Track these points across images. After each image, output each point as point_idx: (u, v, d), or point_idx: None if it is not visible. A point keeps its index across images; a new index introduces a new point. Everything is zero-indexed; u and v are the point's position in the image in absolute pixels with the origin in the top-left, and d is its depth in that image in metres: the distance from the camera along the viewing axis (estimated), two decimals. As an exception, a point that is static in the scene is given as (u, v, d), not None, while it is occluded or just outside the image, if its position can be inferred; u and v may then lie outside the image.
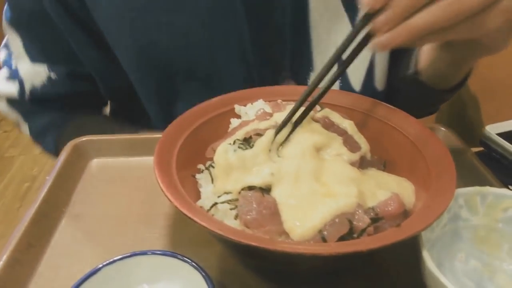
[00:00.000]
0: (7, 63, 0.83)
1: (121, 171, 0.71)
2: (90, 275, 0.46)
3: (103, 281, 0.46)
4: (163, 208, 0.62)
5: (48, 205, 0.61)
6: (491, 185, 0.59)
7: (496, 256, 0.53)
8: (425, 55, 0.73)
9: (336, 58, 0.49)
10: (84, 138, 0.73)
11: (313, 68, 0.80)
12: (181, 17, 0.70)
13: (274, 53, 0.76)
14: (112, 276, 0.46)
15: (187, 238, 0.58)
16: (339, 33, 0.77)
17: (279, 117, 0.52)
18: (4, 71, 0.84)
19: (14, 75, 0.81)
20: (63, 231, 0.60)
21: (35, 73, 0.79)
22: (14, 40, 0.79)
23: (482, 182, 0.56)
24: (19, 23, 0.77)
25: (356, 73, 0.80)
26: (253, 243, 0.36)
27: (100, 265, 0.46)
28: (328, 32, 0.77)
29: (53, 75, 0.80)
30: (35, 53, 0.79)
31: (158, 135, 0.74)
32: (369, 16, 0.44)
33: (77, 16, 0.73)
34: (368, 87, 0.80)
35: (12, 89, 0.82)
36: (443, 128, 0.74)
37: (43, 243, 0.57)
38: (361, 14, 0.46)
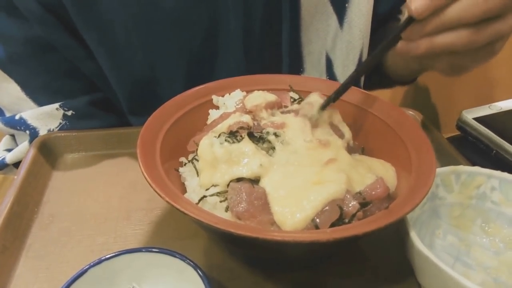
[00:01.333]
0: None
1: (94, 167, 0.69)
2: (76, 277, 0.44)
3: (91, 282, 0.44)
4: (142, 203, 0.61)
5: (20, 205, 0.59)
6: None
7: (470, 231, 0.56)
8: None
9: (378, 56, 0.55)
10: (52, 134, 0.70)
11: (304, 69, 0.80)
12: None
13: (262, 54, 0.76)
14: (99, 277, 0.45)
15: (171, 232, 0.57)
16: (328, 33, 0.78)
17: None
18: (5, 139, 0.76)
19: (20, 126, 0.72)
20: (38, 232, 0.57)
21: (47, 117, 0.72)
22: (5, 89, 0.71)
23: (454, 163, 0.59)
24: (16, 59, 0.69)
25: (345, 74, 0.81)
26: (255, 235, 0.36)
27: (87, 266, 0.45)
28: (317, 32, 0.77)
29: (70, 113, 0.73)
30: (42, 93, 0.72)
31: (129, 129, 0.73)
32: (410, 20, 0.50)
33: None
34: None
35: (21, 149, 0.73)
36: (411, 112, 0.77)
37: (18, 245, 0.55)
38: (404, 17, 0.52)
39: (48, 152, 0.69)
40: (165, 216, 0.59)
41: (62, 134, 0.71)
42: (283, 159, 0.47)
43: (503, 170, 0.55)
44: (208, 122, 0.58)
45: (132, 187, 0.64)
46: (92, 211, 0.60)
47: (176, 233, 0.57)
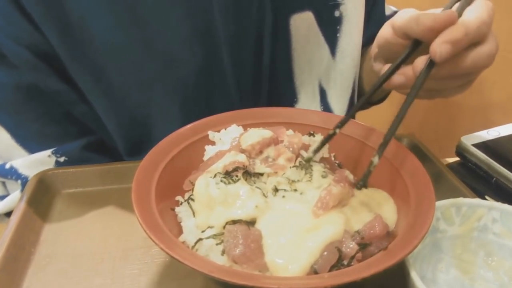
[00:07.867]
0: None
1: (91, 204, 0.68)
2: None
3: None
4: (140, 241, 0.60)
5: (16, 247, 0.58)
6: (463, 194, 0.62)
7: (473, 264, 0.55)
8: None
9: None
10: (49, 171, 0.70)
11: (298, 99, 0.80)
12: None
13: (256, 87, 0.76)
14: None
15: (168, 271, 0.56)
16: (321, 63, 0.78)
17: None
18: None
19: (11, 175, 0.71)
20: (34, 275, 0.56)
21: (39, 164, 0.71)
22: None
23: (454, 191, 0.58)
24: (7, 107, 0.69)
25: (339, 103, 0.82)
26: (251, 284, 0.35)
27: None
28: (310, 62, 0.78)
29: (63, 159, 0.72)
30: (34, 140, 0.71)
31: (126, 163, 0.73)
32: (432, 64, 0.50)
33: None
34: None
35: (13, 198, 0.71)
36: (411, 138, 0.76)
37: (14, 290, 0.54)
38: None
39: (45, 189, 0.69)
40: (162, 254, 0.58)
41: (60, 171, 0.71)
42: (279, 199, 0.46)
43: (504, 197, 0.54)
44: (205, 158, 0.57)
45: (129, 224, 0.63)
46: (89, 251, 0.60)
47: (174, 272, 0.56)
